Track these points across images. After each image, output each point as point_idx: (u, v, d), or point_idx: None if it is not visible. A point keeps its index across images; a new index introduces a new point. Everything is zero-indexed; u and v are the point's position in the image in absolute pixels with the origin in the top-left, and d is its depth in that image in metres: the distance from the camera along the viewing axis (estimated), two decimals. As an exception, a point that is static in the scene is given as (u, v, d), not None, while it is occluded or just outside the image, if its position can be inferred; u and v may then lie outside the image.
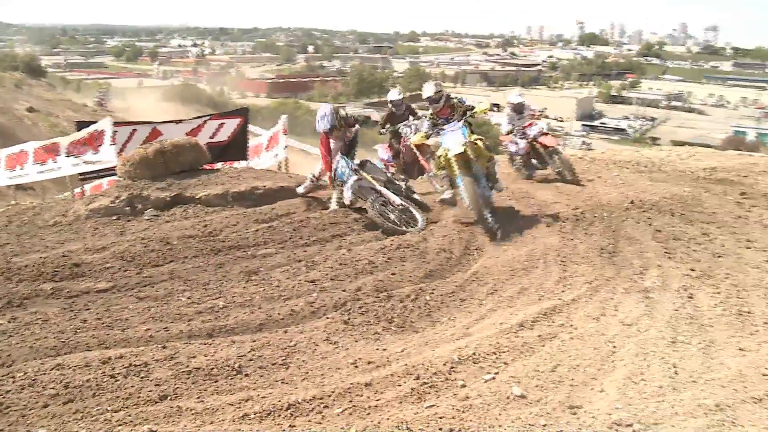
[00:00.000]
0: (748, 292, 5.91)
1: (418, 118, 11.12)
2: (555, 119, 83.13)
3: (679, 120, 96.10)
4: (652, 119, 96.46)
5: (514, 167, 11.83)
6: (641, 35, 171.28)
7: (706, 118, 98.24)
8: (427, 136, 8.47)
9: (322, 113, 8.76)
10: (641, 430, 3.78)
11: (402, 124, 11.34)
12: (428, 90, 8.43)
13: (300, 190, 9.42)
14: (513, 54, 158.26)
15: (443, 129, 8.24)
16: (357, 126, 9.15)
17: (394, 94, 11.90)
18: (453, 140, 8.08)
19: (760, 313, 5.45)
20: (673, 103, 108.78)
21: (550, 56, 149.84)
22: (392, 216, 8.23)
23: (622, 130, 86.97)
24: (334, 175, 8.82)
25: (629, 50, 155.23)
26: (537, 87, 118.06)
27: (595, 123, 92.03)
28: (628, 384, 4.32)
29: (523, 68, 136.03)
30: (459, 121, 8.25)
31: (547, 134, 11.49)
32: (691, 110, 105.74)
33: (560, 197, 9.53)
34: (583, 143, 69.62)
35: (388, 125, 11.74)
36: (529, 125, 11.47)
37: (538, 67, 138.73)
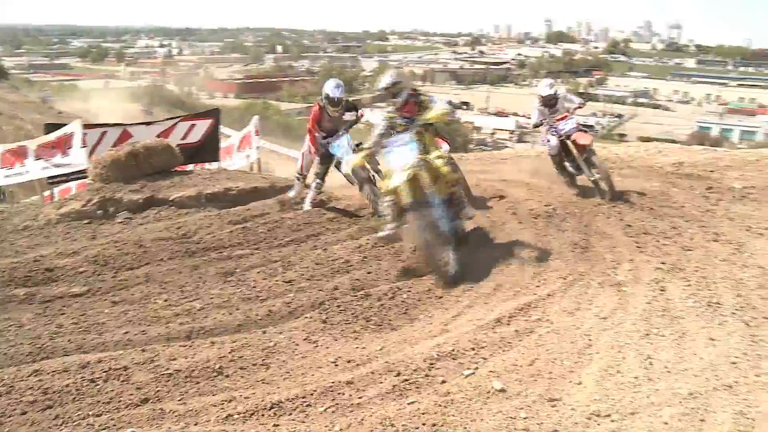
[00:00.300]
0: (717, 284, 6.05)
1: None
2: (524, 117, 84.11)
3: (645, 116, 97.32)
4: (620, 116, 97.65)
5: (555, 169, 9.97)
6: (608, 33, 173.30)
7: (671, 115, 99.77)
8: (371, 155, 7.09)
9: (336, 83, 8.57)
10: (619, 420, 3.87)
11: None
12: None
13: (291, 194, 9.22)
14: (481, 52, 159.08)
15: (390, 142, 6.75)
16: (357, 111, 8.84)
17: (387, 80, 10.06)
18: (398, 160, 6.59)
19: (728, 304, 5.59)
20: (640, 100, 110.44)
21: (519, 54, 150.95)
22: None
23: (590, 126, 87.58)
24: (327, 149, 8.61)
25: (596, 48, 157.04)
26: (506, 85, 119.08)
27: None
28: (604, 376, 4.41)
29: (491, 66, 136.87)
30: (412, 130, 6.72)
31: (583, 131, 9.43)
32: (657, 107, 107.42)
33: (532, 194, 9.62)
34: (552, 140, 70.27)
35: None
36: (563, 118, 9.43)
37: (507, 65, 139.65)
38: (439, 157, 6.75)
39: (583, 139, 9.17)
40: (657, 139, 19.81)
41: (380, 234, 6.99)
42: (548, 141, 9.62)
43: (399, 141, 6.67)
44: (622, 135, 79.16)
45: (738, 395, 4.10)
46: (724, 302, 5.62)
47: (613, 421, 3.88)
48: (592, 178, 9.12)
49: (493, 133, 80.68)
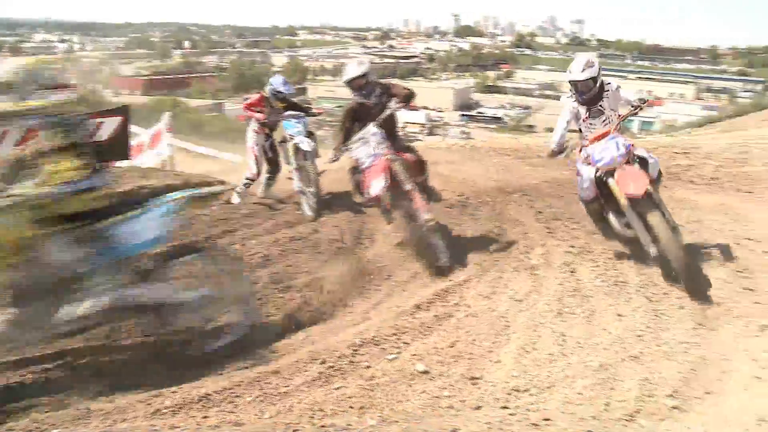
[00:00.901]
0: (623, 263, 6.39)
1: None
2: (434, 110, 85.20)
3: (552, 108, 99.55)
4: (527, 108, 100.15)
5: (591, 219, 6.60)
6: (514, 27, 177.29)
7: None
8: None
9: (284, 80, 8.90)
10: (537, 394, 4.10)
11: (357, 137, 6.75)
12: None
13: (236, 200, 8.89)
14: (391, 46, 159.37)
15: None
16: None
17: (352, 69, 6.82)
18: None
19: (633, 282, 5.94)
20: (546, 92, 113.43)
21: (428, 48, 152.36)
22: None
23: (499, 118, 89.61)
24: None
25: (503, 41, 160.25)
26: (415, 78, 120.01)
27: (473, 113, 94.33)
28: (522, 354, 4.65)
29: (401, 60, 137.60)
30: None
31: (639, 161, 5.72)
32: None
33: (447, 185, 9.78)
34: (462, 132, 71.42)
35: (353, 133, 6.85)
36: (601, 136, 5.75)
37: (416, 59, 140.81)
38: (35, 204, 3.87)
39: (633, 185, 5.48)
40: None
41: None
42: (578, 175, 6.08)
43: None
44: (531, 126, 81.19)
45: (643, 364, 4.42)
46: (629, 280, 5.97)
47: (531, 395, 4.10)
48: (651, 251, 5.64)
49: (404, 127, 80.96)
